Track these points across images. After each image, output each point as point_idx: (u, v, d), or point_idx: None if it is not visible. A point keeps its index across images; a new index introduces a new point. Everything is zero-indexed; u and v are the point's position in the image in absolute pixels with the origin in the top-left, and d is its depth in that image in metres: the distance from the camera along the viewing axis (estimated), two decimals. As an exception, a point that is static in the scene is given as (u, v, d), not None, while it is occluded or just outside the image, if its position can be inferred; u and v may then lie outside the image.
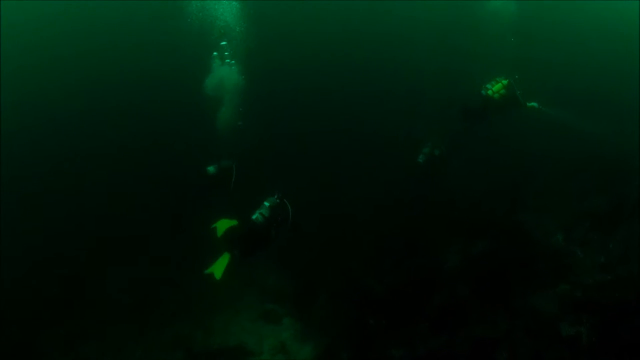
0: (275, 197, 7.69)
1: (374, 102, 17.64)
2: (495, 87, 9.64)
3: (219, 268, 6.90)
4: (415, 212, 11.43)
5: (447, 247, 9.51)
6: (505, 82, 9.71)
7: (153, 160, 14.74)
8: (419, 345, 7.04)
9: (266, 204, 7.57)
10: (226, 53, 11.10)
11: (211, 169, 9.16)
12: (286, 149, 8.25)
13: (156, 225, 11.83)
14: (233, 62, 11.12)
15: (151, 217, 12.02)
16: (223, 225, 7.29)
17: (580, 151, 12.05)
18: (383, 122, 16.04)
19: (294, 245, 10.40)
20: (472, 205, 11.14)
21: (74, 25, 20.98)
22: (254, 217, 7.39)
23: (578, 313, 6.45)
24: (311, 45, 20.55)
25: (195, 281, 10.19)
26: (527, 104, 10.04)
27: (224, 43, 11.18)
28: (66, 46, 20.56)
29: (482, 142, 13.42)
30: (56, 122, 17.14)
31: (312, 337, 8.67)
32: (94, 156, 15.63)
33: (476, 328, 6.71)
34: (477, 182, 12.15)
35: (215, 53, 11.06)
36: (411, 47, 19.50)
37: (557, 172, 11.76)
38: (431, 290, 8.19)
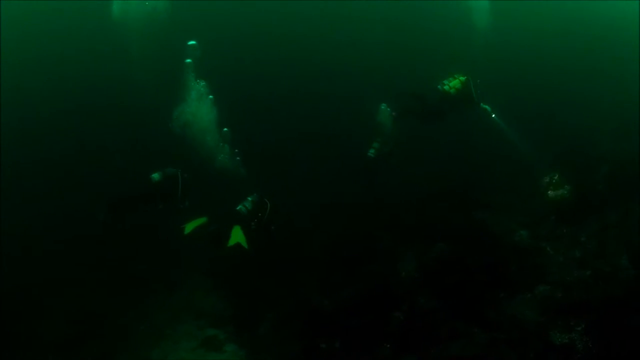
0: (256, 195, 8.42)
1: (323, 102, 17.01)
2: (452, 83, 9.75)
3: (191, 225, 7.66)
4: (362, 216, 10.47)
5: (401, 254, 8.49)
6: (462, 78, 9.81)
7: (83, 170, 13.48)
8: (384, 369, 5.92)
9: (249, 198, 8.31)
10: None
11: (156, 176, 8.52)
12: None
13: (87, 246, 10.49)
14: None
15: (80, 235, 10.59)
16: (190, 225, 7.75)
17: (535, 146, 11.54)
18: (326, 122, 15.27)
19: (232, 259, 9.29)
20: (424, 206, 10.30)
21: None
22: (237, 208, 8.07)
23: (564, 316, 5.64)
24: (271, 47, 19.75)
25: (130, 311, 8.96)
26: (481, 104, 10.08)
27: None
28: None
29: (432, 142, 12.92)
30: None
31: (258, 364, 7.59)
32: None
33: (450, 345, 5.68)
34: (428, 183, 11.49)
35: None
36: (371, 47, 19.14)
37: (512, 168, 11.37)
38: (390, 304, 7.11)
